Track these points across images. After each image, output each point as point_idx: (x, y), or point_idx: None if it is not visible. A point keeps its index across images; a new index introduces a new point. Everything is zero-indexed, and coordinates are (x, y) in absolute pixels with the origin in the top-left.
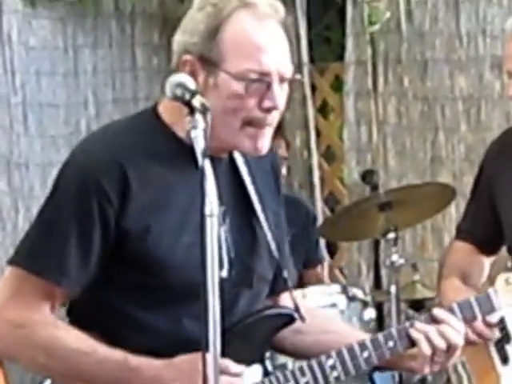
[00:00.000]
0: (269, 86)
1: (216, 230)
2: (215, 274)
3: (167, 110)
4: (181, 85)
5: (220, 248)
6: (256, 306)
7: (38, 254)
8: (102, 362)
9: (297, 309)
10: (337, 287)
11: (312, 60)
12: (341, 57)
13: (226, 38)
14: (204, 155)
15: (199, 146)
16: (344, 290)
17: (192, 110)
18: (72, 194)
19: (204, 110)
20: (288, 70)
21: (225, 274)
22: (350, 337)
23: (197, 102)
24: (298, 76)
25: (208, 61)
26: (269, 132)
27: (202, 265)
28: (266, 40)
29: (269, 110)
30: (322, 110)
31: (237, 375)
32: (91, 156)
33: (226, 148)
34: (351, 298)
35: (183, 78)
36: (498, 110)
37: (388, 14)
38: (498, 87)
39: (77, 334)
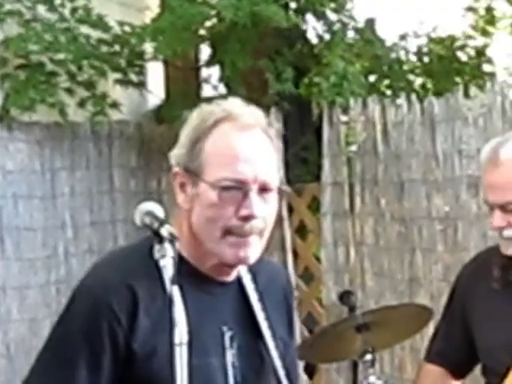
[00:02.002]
0: (245, 194)
1: (185, 359)
2: None
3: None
4: (149, 213)
5: (226, 372)
6: None
7: (48, 377)
8: None
9: None
10: None
11: (289, 181)
12: (318, 177)
13: (207, 149)
14: (173, 283)
15: (168, 274)
16: None
17: (161, 239)
18: (83, 318)
19: (172, 239)
20: (271, 180)
21: None
22: None
23: (165, 231)
24: (285, 187)
25: (191, 172)
26: (255, 241)
27: None
28: (244, 149)
29: (246, 219)
30: (300, 230)
31: None
32: (101, 279)
33: (216, 261)
34: None
35: (152, 206)
36: (475, 230)
37: (364, 135)
38: (475, 207)
39: None
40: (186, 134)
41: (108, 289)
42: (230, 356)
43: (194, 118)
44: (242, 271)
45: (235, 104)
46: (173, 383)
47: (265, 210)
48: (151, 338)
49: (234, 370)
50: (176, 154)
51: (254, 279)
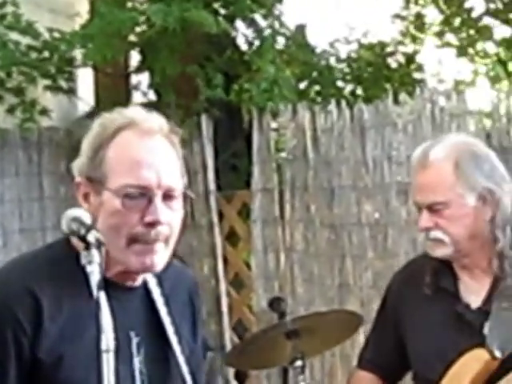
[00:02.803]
0: (150, 200)
1: (112, 366)
2: None
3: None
4: (76, 219)
5: (134, 379)
6: None
7: None
8: None
9: None
10: None
11: (219, 188)
12: (248, 184)
13: (109, 157)
14: (99, 289)
15: (94, 279)
16: None
17: (87, 245)
18: None
19: (99, 245)
20: (175, 186)
21: None
22: None
23: (92, 236)
24: (189, 192)
25: (94, 181)
26: (161, 248)
27: None
28: (147, 155)
29: (152, 225)
30: (230, 237)
31: None
32: (3, 286)
33: (121, 268)
34: None
35: (79, 212)
36: (405, 237)
37: (294, 142)
38: (405, 214)
39: None
40: (87, 143)
41: (10, 296)
42: (138, 363)
43: (95, 127)
44: (148, 276)
45: (136, 111)
46: None
47: (170, 216)
48: (58, 345)
49: (141, 377)
50: (78, 163)
51: (160, 283)
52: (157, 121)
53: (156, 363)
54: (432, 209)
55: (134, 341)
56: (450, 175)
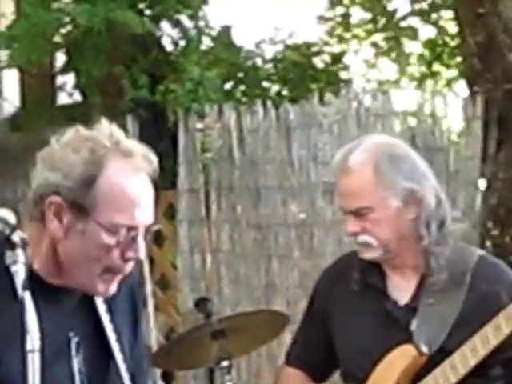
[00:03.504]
0: (134, 238)
1: (38, 366)
2: None
3: None
4: (1, 220)
5: (73, 379)
6: None
7: None
8: None
9: None
10: None
11: None
12: (174, 185)
13: (102, 189)
14: (24, 289)
15: (19, 279)
16: None
17: (12, 245)
18: None
19: (24, 245)
20: (151, 221)
21: None
22: None
23: (16, 236)
24: (157, 226)
25: (79, 207)
26: (120, 277)
27: None
28: (138, 194)
29: (129, 260)
30: (156, 237)
31: None
32: None
33: (76, 286)
34: None
35: (3, 212)
36: (331, 237)
37: (220, 142)
38: (330, 214)
39: None
40: (73, 164)
41: None
42: (76, 363)
43: (80, 148)
44: None
45: (121, 136)
46: None
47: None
48: None
49: (80, 377)
50: (59, 182)
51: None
52: (148, 155)
53: (96, 363)
54: (357, 213)
55: (74, 340)
56: (370, 179)
